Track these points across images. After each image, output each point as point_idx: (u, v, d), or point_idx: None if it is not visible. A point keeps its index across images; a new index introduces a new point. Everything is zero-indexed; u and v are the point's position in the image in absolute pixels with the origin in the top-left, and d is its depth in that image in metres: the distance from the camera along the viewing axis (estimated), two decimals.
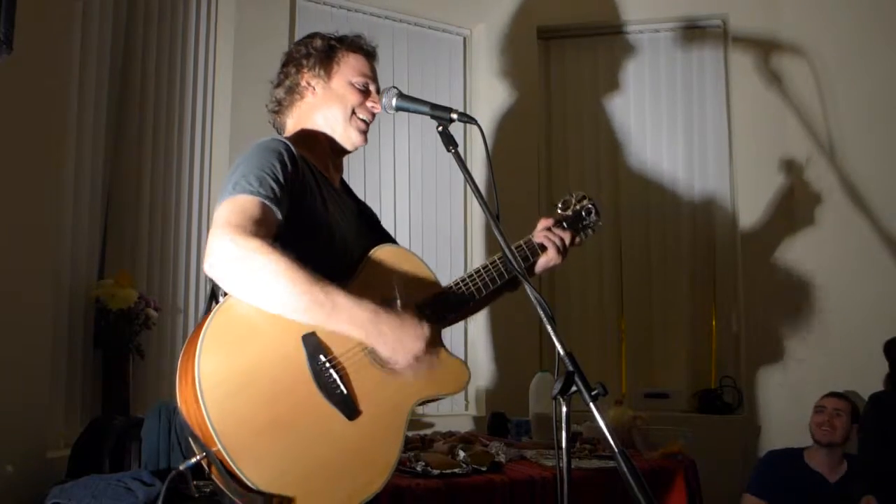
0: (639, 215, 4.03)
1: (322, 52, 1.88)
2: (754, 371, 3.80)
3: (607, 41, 4.20)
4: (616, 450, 1.40)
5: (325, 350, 1.58)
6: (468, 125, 1.81)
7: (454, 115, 1.77)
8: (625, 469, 1.38)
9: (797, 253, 3.78)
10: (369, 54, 1.92)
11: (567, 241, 1.96)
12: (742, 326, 3.87)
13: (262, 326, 1.56)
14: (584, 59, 4.24)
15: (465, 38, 4.14)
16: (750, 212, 3.92)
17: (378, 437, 1.61)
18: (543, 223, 1.97)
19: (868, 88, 3.76)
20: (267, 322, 1.56)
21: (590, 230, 2.06)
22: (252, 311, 1.55)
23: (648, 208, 4.07)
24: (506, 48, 4.06)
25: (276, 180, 1.63)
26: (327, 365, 1.58)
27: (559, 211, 2.03)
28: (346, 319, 1.57)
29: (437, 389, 1.72)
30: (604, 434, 1.41)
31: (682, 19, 4.10)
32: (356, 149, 1.90)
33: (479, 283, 1.83)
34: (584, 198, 2.06)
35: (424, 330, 1.62)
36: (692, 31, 4.13)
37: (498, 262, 1.84)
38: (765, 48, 3.91)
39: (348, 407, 1.58)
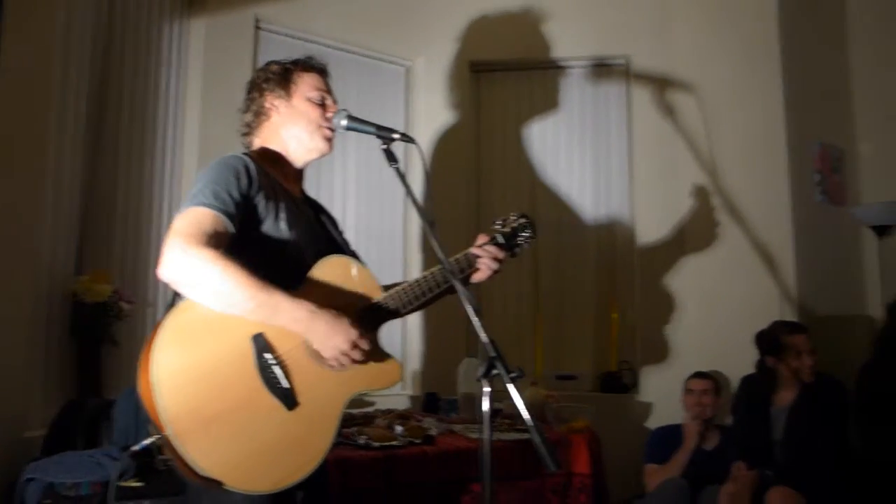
0: (553, 227, 4.07)
1: (280, 74, 1.87)
2: (647, 356, 3.87)
3: (530, 75, 4.24)
4: (531, 424, 1.41)
5: (271, 349, 1.57)
6: (409, 145, 1.80)
7: (396, 136, 1.77)
8: (538, 440, 1.40)
9: (684, 259, 3.86)
10: (321, 71, 1.91)
11: (500, 257, 1.96)
12: (638, 319, 3.94)
13: (216, 326, 1.54)
14: (509, 90, 4.27)
15: (407, 69, 4.13)
16: (646, 224, 3.99)
17: (314, 426, 1.61)
18: (481, 239, 1.97)
19: (746, 121, 3.86)
20: (220, 322, 1.54)
21: (525, 245, 2.06)
22: (208, 311, 1.54)
23: (561, 221, 4.11)
24: (442, 78, 4.07)
25: (230, 194, 1.61)
26: (272, 362, 1.57)
27: (496, 228, 2.03)
28: (286, 318, 1.57)
29: (370, 384, 1.72)
30: (520, 410, 1.43)
31: (592, 58, 4.16)
32: (323, 156, 1.88)
33: (418, 292, 1.83)
34: (521, 217, 2.06)
35: (353, 333, 1.62)
36: (600, 69, 4.18)
37: (437, 272, 1.84)
38: (661, 85, 3.98)
39: (289, 399, 1.57)
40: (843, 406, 3.01)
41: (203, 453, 1.46)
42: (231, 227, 1.59)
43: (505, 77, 4.27)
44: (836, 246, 4.04)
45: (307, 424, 1.59)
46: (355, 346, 1.61)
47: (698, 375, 3.37)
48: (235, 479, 1.49)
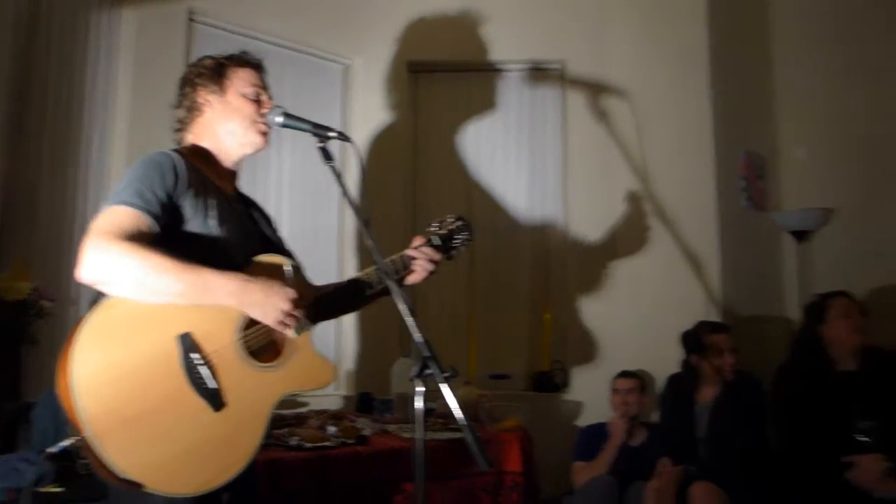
0: (488, 228, 4.10)
1: (213, 69, 1.83)
2: (579, 356, 3.94)
3: (468, 77, 4.26)
4: (463, 423, 1.43)
5: (199, 349, 1.54)
6: (346, 144, 1.79)
7: (332, 134, 1.76)
8: (470, 439, 1.42)
9: (615, 261, 3.96)
10: (257, 67, 1.88)
11: (436, 259, 1.96)
12: (570, 319, 4.01)
13: (140, 324, 1.51)
14: (447, 91, 4.29)
15: (345, 68, 4.11)
16: (580, 226, 4.06)
17: (242, 427, 1.58)
18: (417, 241, 1.97)
19: (677, 128, 3.99)
20: (146, 320, 1.51)
21: (461, 248, 2.06)
22: (132, 309, 1.50)
23: (496, 222, 4.15)
24: (381, 78, 4.06)
25: (155, 192, 1.57)
26: (199, 362, 1.53)
27: (433, 230, 2.03)
28: (220, 293, 1.54)
29: (301, 385, 1.70)
30: (453, 410, 1.44)
31: (528, 61, 4.21)
32: (257, 150, 1.85)
33: (354, 290, 1.82)
34: (457, 219, 2.06)
35: (290, 291, 1.59)
36: (537, 72, 4.24)
37: (373, 273, 1.84)
38: (596, 90, 4.05)
39: (216, 400, 1.54)
40: (761, 404, 3.14)
41: (122, 454, 1.43)
42: (155, 227, 1.56)
43: (443, 78, 4.29)
44: (759, 250, 4.22)
45: (234, 425, 1.56)
46: (295, 303, 1.59)
47: (624, 375, 3.47)
48: (157, 482, 1.46)
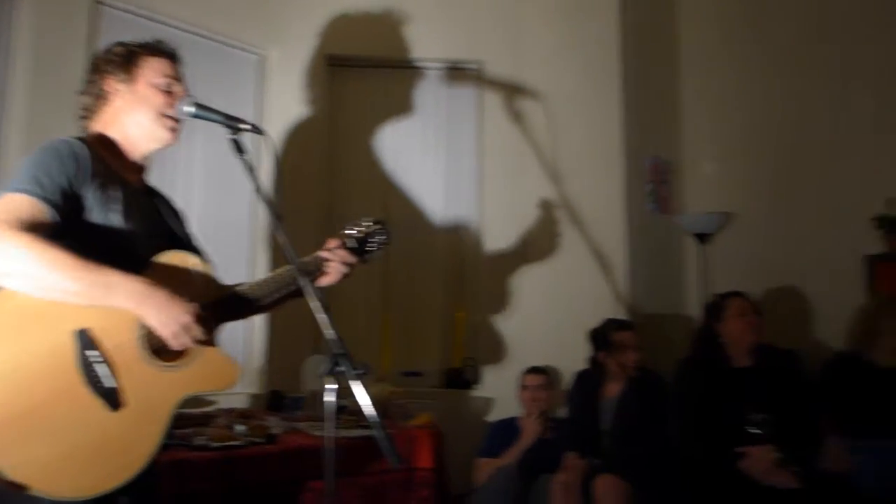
0: (404, 227, 4.08)
1: (124, 57, 1.75)
2: (491, 353, 4.00)
3: (386, 74, 4.24)
4: (374, 420, 1.43)
5: (97, 345, 1.48)
6: (260, 137, 1.76)
7: (246, 126, 1.72)
8: (381, 436, 1.42)
9: (527, 260, 4.03)
10: (171, 56, 1.81)
11: (351, 261, 1.94)
12: (482, 317, 4.06)
13: (33, 319, 1.43)
14: (366, 87, 4.26)
15: (261, 59, 4.02)
16: (493, 226, 4.10)
17: (140, 428, 1.53)
18: (331, 243, 1.95)
19: (588, 132, 4.10)
20: (40, 315, 1.44)
21: (377, 251, 2.04)
22: (25, 303, 1.43)
23: (412, 220, 4.15)
24: (298, 71, 3.99)
25: (53, 180, 1.50)
26: (96, 359, 1.47)
27: (349, 232, 2.00)
28: (121, 295, 1.48)
29: (205, 385, 1.65)
30: (364, 407, 1.44)
31: (446, 61, 4.23)
32: (167, 146, 1.78)
33: (265, 290, 1.79)
34: (375, 222, 2.04)
35: (193, 305, 1.55)
36: (454, 72, 4.27)
37: (284, 273, 1.81)
38: (511, 92, 4.11)
39: (113, 399, 1.48)
40: (663, 399, 3.27)
41: (4, 454, 1.35)
42: (53, 216, 1.49)
43: (362, 74, 4.26)
44: (663, 251, 4.39)
45: (132, 426, 1.51)
46: (197, 318, 1.54)
47: (533, 371, 3.55)
48: (43, 483, 1.38)
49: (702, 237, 4.24)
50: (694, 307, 4.22)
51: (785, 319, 3.86)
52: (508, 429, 3.45)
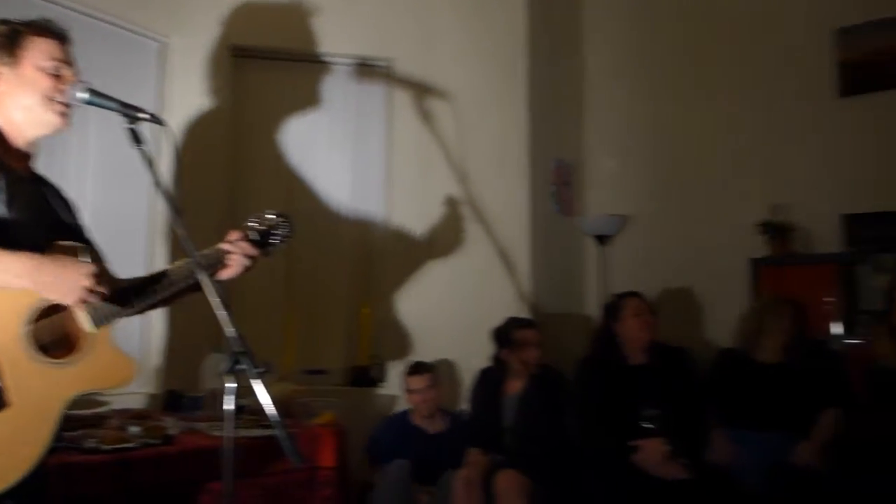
0: (310, 222, 4.01)
1: (7, 37, 1.64)
2: (396, 351, 3.99)
3: (294, 67, 4.16)
4: (275, 419, 1.41)
5: None
6: (160, 127, 1.69)
7: (144, 115, 1.66)
8: (282, 435, 1.40)
9: (434, 258, 4.06)
10: (60, 37, 1.70)
11: (252, 254, 1.89)
12: (388, 314, 4.06)
13: None
14: (272, 80, 4.16)
15: (162, 46, 3.86)
16: (401, 223, 4.11)
17: (26, 429, 1.45)
18: (233, 235, 1.90)
19: (495, 133, 4.17)
20: None
21: (280, 245, 2.00)
22: None
23: (318, 216, 4.10)
24: (201, 60, 3.86)
25: None
26: None
27: (251, 225, 1.96)
28: (8, 275, 1.41)
29: (97, 384, 1.58)
30: (265, 406, 1.42)
31: (356, 57, 4.20)
32: (56, 132, 1.68)
33: (164, 283, 1.72)
34: (278, 215, 2.00)
35: (86, 266, 1.49)
36: (364, 69, 4.24)
37: (183, 266, 1.75)
38: (420, 90, 4.13)
39: None
40: (563, 395, 3.37)
41: None
42: None
43: (268, 66, 4.16)
44: (565, 252, 4.51)
45: (16, 428, 1.43)
46: (96, 278, 1.48)
47: (416, 371, 3.47)
48: None
49: (601, 239, 4.39)
50: (593, 306, 4.36)
51: (678, 318, 4.05)
52: (397, 422, 3.43)
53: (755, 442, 3.06)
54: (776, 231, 3.88)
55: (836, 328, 3.60)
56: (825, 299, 3.63)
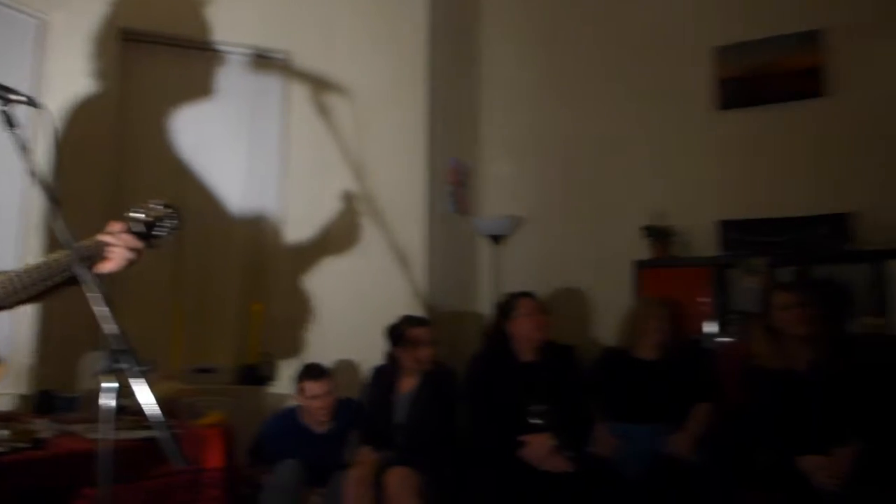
0: (200, 215, 3.91)
1: None
2: (289, 349, 3.94)
3: (187, 54, 4.01)
4: (157, 420, 1.36)
5: None
6: (37, 110, 1.59)
7: (18, 97, 1.56)
8: (164, 436, 1.35)
9: (329, 255, 4.02)
10: None
11: (136, 246, 1.81)
12: (281, 312, 3.99)
13: None
14: (163, 66, 3.99)
15: (41, 23, 3.62)
16: (296, 219, 4.06)
17: None
18: (115, 226, 1.80)
19: (394, 131, 4.18)
20: None
21: (166, 237, 1.91)
22: None
23: (209, 209, 3.98)
24: (86, 41, 3.65)
25: None
26: None
27: (135, 216, 1.86)
28: None
29: None
30: (148, 406, 1.37)
31: (253, 48, 4.10)
32: None
33: (31, 280, 1.62)
34: (164, 206, 1.90)
35: None
36: (261, 60, 4.15)
37: (60, 258, 1.65)
38: (319, 85, 4.07)
39: None
40: (454, 392, 3.41)
41: None
42: None
43: (159, 52, 3.98)
44: (460, 251, 4.57)
45: None
46: None
47: (314, 376, 3.31)
48: None
49: (495, 239, 4.48)
50: (486, 305, 4.44)
51: (568, 317, 4.19)
52: (284, 420, 3.36)
53: (635, 434, 3.20)
54: (658, 235, 4.07)
55: (710, 327, 3.82)
56: (700, 300, 3.84)
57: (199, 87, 4.02)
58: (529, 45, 4.78)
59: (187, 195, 3.90)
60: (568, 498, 2.96)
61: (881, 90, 3.78)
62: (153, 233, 1.87)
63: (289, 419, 3.37)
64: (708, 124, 4.18)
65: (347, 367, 3.85)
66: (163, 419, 1.36)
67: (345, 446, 3.27)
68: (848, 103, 3.84)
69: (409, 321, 3.47)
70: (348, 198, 4.05)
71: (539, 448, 3.10)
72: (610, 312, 3.96)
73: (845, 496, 2.72)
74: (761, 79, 4.04)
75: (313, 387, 3.29)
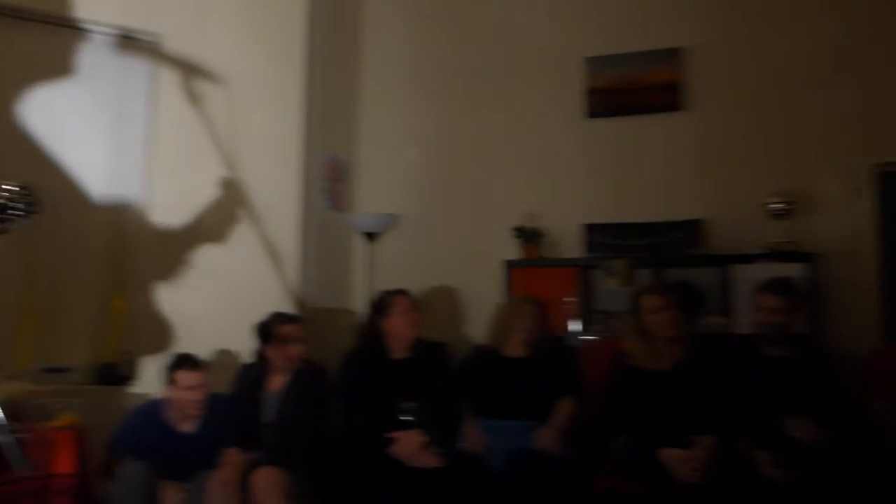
0: (55, 201, 3.63)
1: None
2: (153, 347, 3.76)
3: (45, 30, 3.74)
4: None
5: None
6: None
7: None
8: (5, 441, 1.26)
9: (199, 249, 3.88)
10: None
11: None
12: (145, 308, 3.81)
13: None
14: (19, 41, 3.71)
15: None
16: (164, 210, 3.89)
17: None
18: None
19: (269, 124, 4.08)
20: None
21: (18, 221, 1.77)
22: None
23: (66, 196, 3.74)
24: None
25: None
26: None
27: None
28: None
29: None
30: None
31: (120, 28, 3.89)
32: None
33: None
34: (18, 186, 1.76)
35: None
36: (128, 41, 3.94)
37: None
38: (191, 71, 3.93)
39: None
40: (325, 390, 3.38)
41: None
42: None
43: (13, 25, 3.69)
44: (334, 247, 4.53)
45: None
46: None
47: (189, 366, 3.22)
48: None
49: (370, 236, 4.47)
50: (360, 302, 4.42)
51: (442, 315, 4.25)
52: (147, 415, 3.21)
53: (503, 430, 3.29)
54: (528, 236, 4.22)
55: (575, 325, 4.00)
56: (566, 299, 4.01)
57: (59, 66, 3.77)
58: (409, 43, 4.80)
59: (42, 178, 3.62)
60: (437, 493, 3.00)
61: (732, 107, 4.10)
62: (6, 215, 1.74)
63: (151, 414, 3.21)
64: (576, 131, 4.37)
65: (216, 365, 3.73)
66: (4, 422, 1.27)
67: (213, 446, 3.16)
68: (703, 118, 4.14)
69: (279, 318, 3.41)
70: (220, 188, 3.92)
71: (409, 445, 3.12)
72: (481, 311, 4.06)
73: (703, 487, 2.91)
74: (626, 91, 4.28)
75: (189, 377, 3.16)
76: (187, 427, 3.23)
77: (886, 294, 3.74)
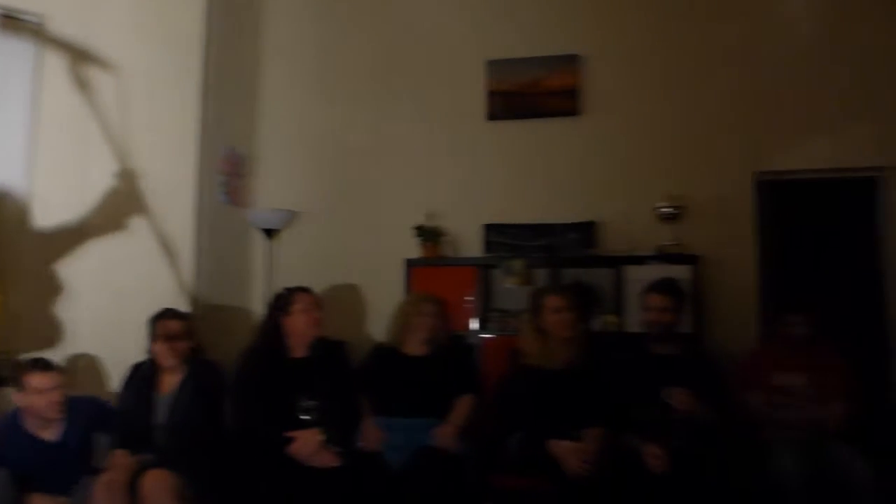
0: None
1: None
2: (34, 346, 3.53)
3: None
4: None
5: None
6: None
7: None
8: None
9: (85, 243, 3.71)
10: None
11: None
12: (25, 305, 3.60)
13: None
14: None
15: None
16: (46, 201, 3.71)
17: None
18: None
19: (163, 114, 3.94)
20: None
21: None
22: None
23: None
24: None
25: None
26: None
27: None
28: None
29: None
30: None
31: (2, 7, 3.65)
32: None
33: None
34: None
35: None
36: (9, 21, 3.70)
37: None
38: (78, 56, 3.75)
39: None
40: (220, 388, 3.30)
41: None
42: None
43: None
44: (231, 243, 4.42)
45: None
46: None
47: (40, 367, 3.02)
48: None
49: (269, 232, 4.39)
50: (258, 300, 4.34)
51: (342, 314, 4.22)
52: (9, 429, 3.02)
53: (402, 428, 3.31)
54: (428, 235, 4.26)
55: (474, 324, 4.07)
56: (466, 298, 4.08)
57: None
58: (312, 38, 4.74)
59: None
60: (335, 492, 2.99)
61: (626, 113, 4.27)
62: None
63: (11, 424, 3.02)
64: (477, 133, 4.44)
65: (104, 364, 3.58)
66: None
67: (85, 451, 3.01)
68: (598, 123, 4.29)
69: (163, 314, 3.31)
70: (110, 179, 3.75)
71: (307, 444, 3.10)
72: (382, 309, 4.06)
73: (592, 479, 3.02)
74: (526, 94, 4.38)
75: (41, 379, 2.96)
76: (49, 434, 3.03)
77: (763, 296, 4.00)
